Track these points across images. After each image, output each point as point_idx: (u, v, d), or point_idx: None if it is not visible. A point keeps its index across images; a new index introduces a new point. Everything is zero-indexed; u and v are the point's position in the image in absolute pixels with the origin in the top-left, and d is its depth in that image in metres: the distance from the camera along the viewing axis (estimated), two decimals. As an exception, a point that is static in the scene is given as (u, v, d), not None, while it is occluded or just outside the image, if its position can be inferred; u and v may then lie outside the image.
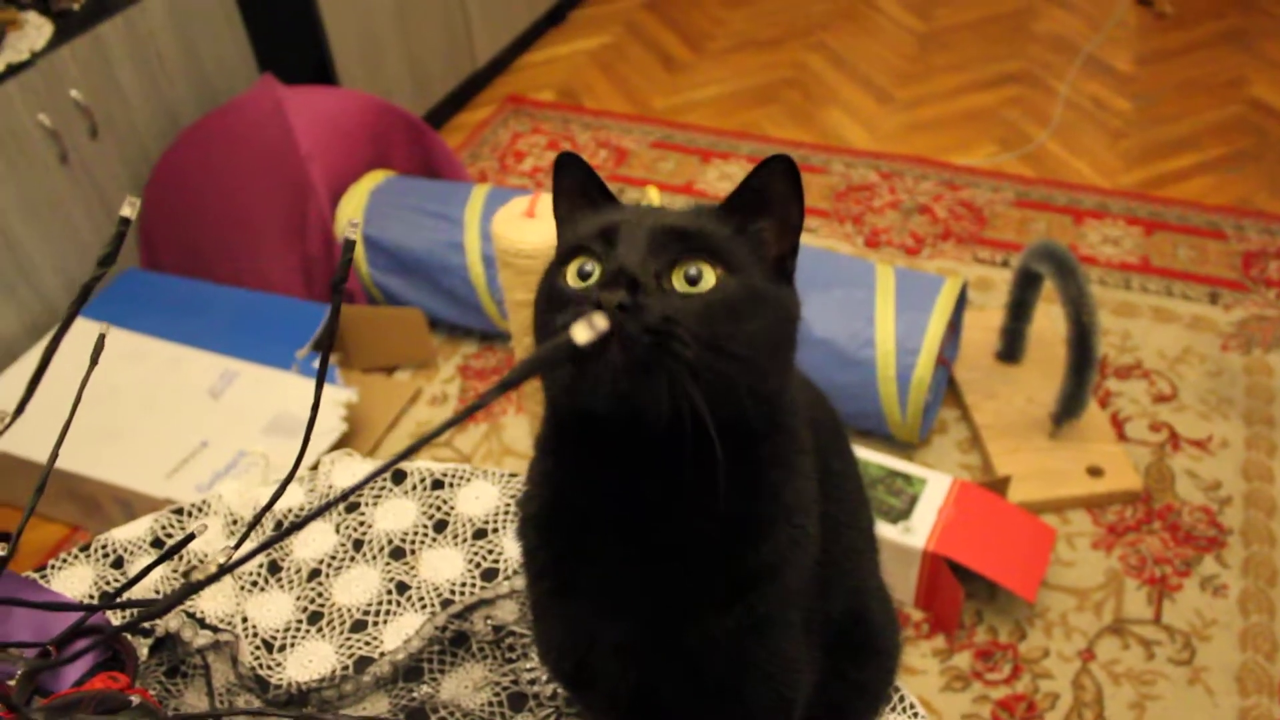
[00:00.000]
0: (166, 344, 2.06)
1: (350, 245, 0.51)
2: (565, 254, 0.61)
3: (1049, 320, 2.10)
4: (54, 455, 0.66)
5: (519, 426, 2.05)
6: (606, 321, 0.47)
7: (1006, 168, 2.67)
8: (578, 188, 0.67)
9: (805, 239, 2.46)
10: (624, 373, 0.54)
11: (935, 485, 1.68)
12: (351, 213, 2.18)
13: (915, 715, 0.90)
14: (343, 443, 1.91)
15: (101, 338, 0.69)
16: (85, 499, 1.89)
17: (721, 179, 2.69)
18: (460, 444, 2.03)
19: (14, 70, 1.97)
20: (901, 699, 0.90)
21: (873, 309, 1.83)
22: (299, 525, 0.47)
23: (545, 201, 1.30)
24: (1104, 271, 2.33)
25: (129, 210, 0.52)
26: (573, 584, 0.66)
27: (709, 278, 0.57)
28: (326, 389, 1.96)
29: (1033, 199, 2.56)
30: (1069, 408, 1.83)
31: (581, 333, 0.45)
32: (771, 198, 0.64)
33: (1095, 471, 1.85)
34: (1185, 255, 2.38)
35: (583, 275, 0.59)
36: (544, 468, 0.67)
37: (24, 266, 2.07)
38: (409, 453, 0.48)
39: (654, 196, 2.24)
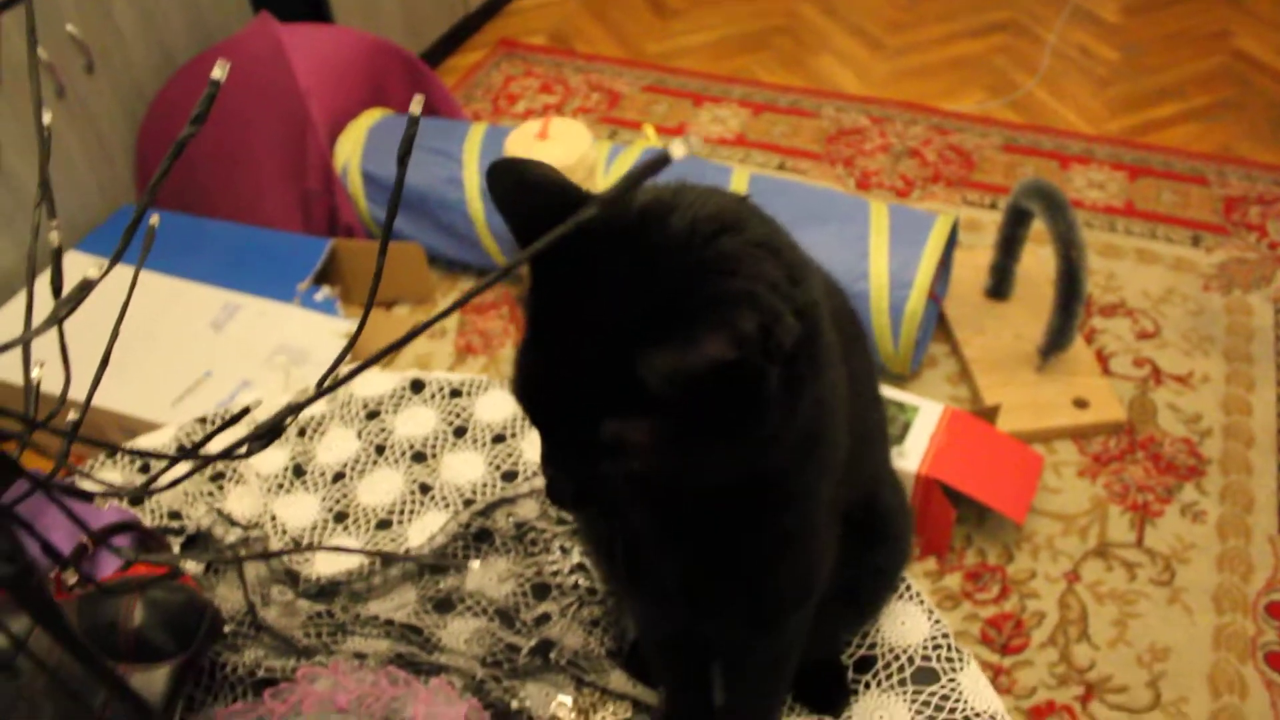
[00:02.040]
0: (167, 278, 2.08)
1: (414, 121, 0.54)
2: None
3: (1036, 260, 2.14)
4: (91, 392, 0.68)
5: (517, 360, 2.08)
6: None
7: (995, 114, 2.71)
8: (519, 210, 0.59)
9: (799, 179, 2.49)
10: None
11: (928, 412, 1.73)
12: (350, 150, 2.20)
13: (921, 603, 0.95)
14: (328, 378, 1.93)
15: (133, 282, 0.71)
16: (89, 428, 1.92)
17: (714, 121, 2.71)
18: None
19: (10, 4, 1.96)
20: (908, 588, 0.95)
21: (867, 244, 1.87)
22: (367, 364, 0.50)
23: (557, 125, 1.33)
24: (1089, 215, 2.38)
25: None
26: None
27: (641, 430, 0.55)
28: (327, 321, 2.00)
29: (1020, 144, 2.60)
30: (1056, 341, 1.88)
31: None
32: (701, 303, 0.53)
33: (1081, 403, 1.91)
34: (1168, 200, 2.43)
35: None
36: None
37: (22, 200, 2.08)
38: (403, 343, 0.51)
39: (651, 135, 2.27)
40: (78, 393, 0.59)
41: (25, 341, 0.59)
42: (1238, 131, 2.63)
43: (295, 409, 0.46)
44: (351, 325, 1.98)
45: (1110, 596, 1.68)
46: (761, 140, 2.64)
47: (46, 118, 0.60)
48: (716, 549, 0.65)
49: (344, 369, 1.16)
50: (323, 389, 0.47)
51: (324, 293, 2.06)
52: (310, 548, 0.57)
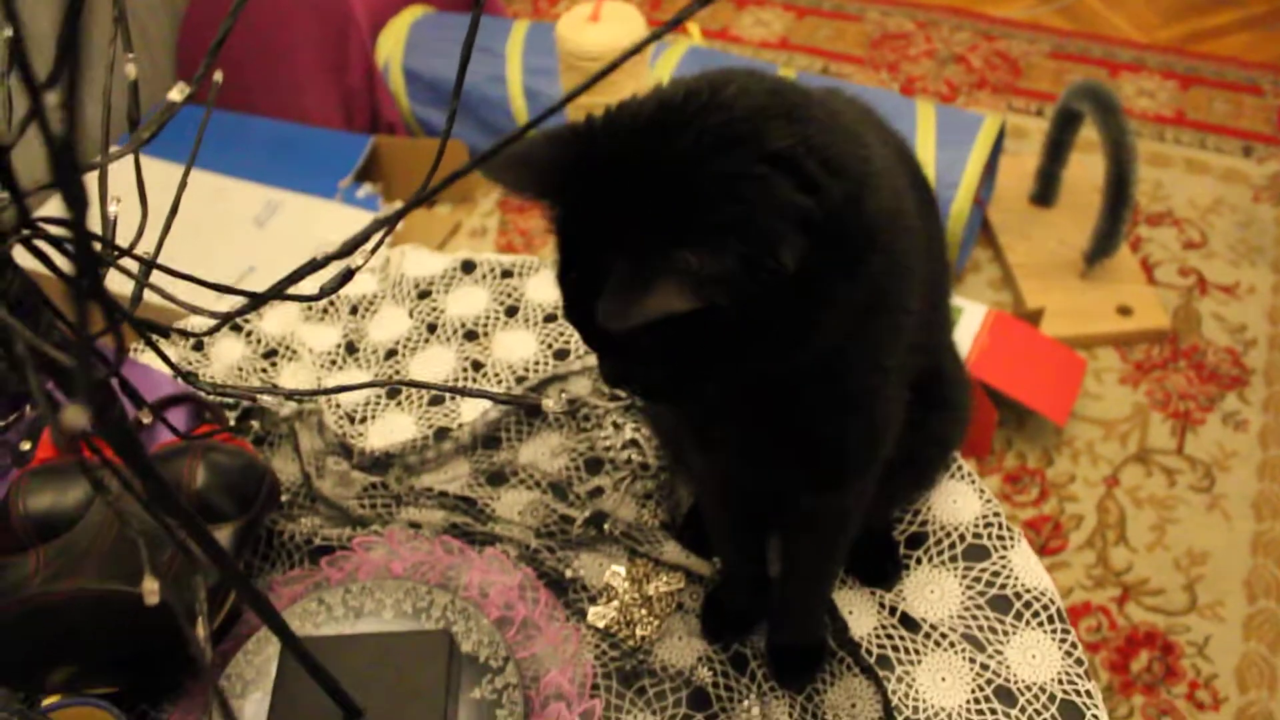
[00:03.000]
0: (209, 174, 2.08)
1: (479, 7, 0.53)
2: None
3: (1083, 167, 2.11)
4: (162, 237, 0.68)
5: (557, 260, 2.08)
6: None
7: (1044, 20, 2.65)
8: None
9: (842, 82, 2.45)
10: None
11: (971, 314, 1.72)
12: (392, 46, 2.18)
13: (973, 482, 0.95)
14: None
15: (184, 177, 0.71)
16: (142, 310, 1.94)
17: (757, 25, 2.67)
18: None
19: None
20: (959, 467, 0.96)
21: (914, 143, 1.84)
22: (453, 177, 0.50)
23: (610, 8, 1.31)
24: (1139, 123, 2.34)
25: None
26: None
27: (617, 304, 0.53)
28: (370, 217, 2.00)
29: (1069, 51, 2.55)
30: (1103, 246, 1.86)
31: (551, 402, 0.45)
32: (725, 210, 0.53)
33: (1124, 311, 1.89)
34: (1220, 109, 2.38)
35: None
36: None
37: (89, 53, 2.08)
38: (416, 202, 0.51)
39: (695, 34, 2.24)
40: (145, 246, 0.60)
41: (102, 166, 0.60)
42: (1294, 41, 2.57)
43: (386, 222, 0.46)
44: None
45: (1149, 501, 1.68)
46: (805, 44, 2.60)
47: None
48: (779, 416, 0.65)
49: (401, 249, 1.16)
50: (406, 207, 0.47)
51: (365, 189, 2.06)
52: (397, 383, 0.58)
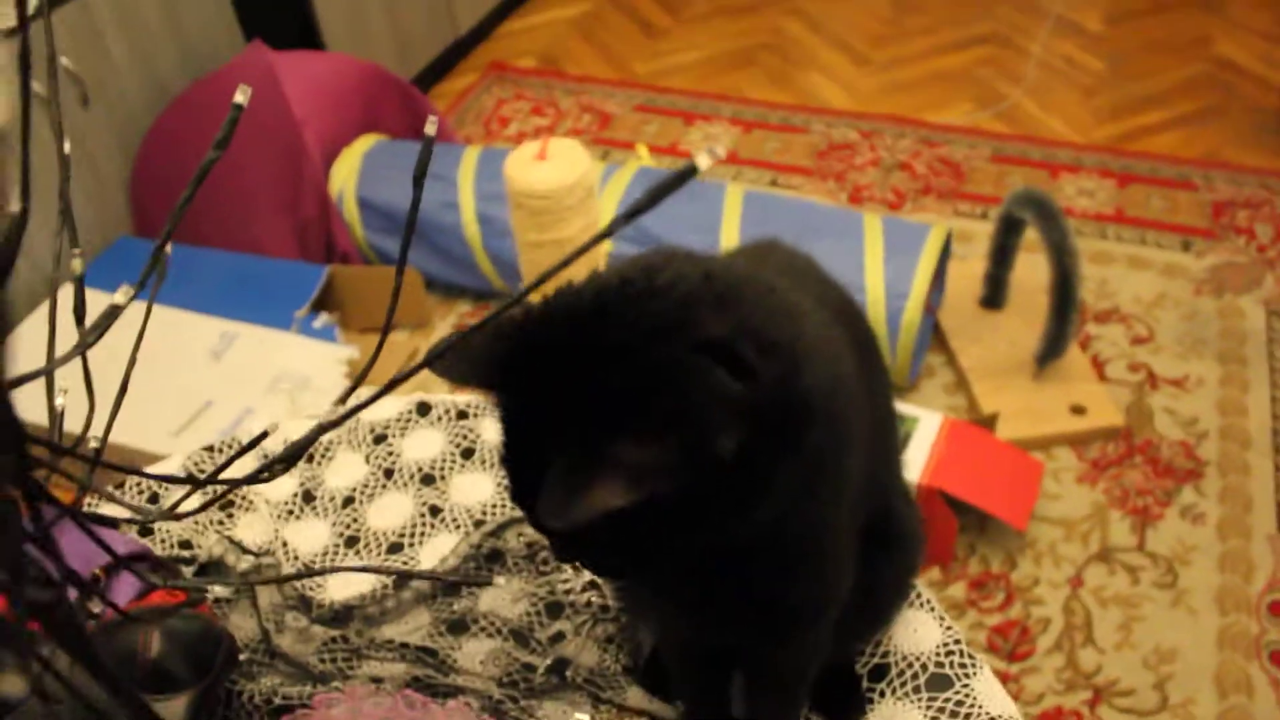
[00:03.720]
0: (164, 308, 2.08)
1: (430, 140, 0.55)
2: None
3: (1029, 268, 2.16)
4: (111, 419, 0.68)
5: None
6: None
7: (983, 125, 2.73)
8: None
9: (792, 195, 2.51)
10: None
11: (927, 423, 1.74)
12: (345, 176, 2.21)
13: (932, 610, 0.96)
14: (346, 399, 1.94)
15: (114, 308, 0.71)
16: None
17: (705, 140, 2.73)
18: (459, 400, 2.07)
19: (5, 35, 1.97)
20: (919, 595, 0.96)
21: (862, 256, 1.88)
22: (388, 388, 0.51)
23: (556, 145, 1.34)
24: (1080, 222, 2.40)
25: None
26: None
27: (555, 507, 0.54)
28: (327, 348, 2.00)
29: (1009, 154, 2.63)
30: (1052, 348, 1.90)
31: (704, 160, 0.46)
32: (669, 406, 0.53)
33: (1078, 410, 1.92)
34: (1158, 205, 2.45)
35: None
36: None
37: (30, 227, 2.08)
38: (419, 369, 0.52)
39: (645, 155, 2.29)
40: (78, 423, 0.60)
41: (49, 372, 0.60)
42: (1222, 136, 2.65)
43: (326, 428, 0.47)
44: (351, 351, 1.99)
45: (1114, 600, 1.69)
46: (754, 157, 2.66)
47: (66, 146, 0.61)
48: (728, 581, 0.65)
49: (359, 395, 1.17)
50: (347, 412, 0.48)
51: (322, 319, 2.07)
52: (325, 570, 0.58)
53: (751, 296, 0.56)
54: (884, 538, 0.78)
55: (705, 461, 0.51)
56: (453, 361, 0.58)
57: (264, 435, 0.73)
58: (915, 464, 1.68)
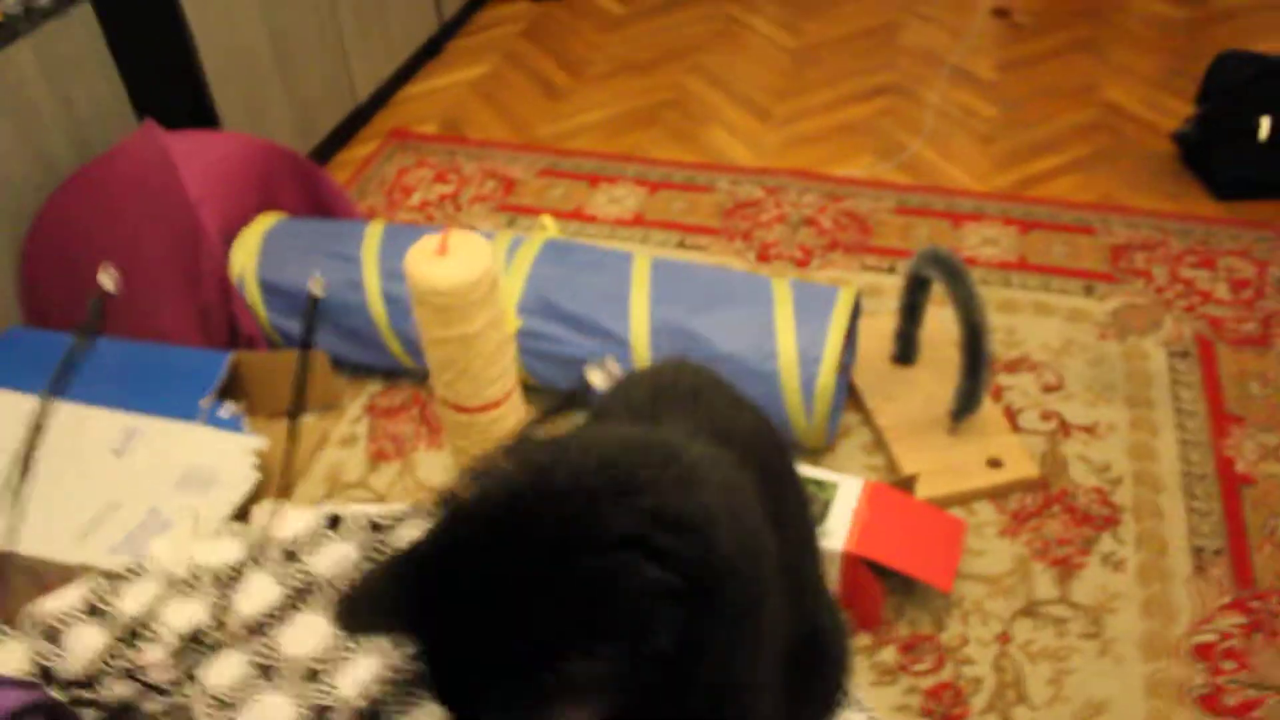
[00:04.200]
0: (60, 403, 2.00)
1: (314, 301, 0.52)
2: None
3: (938, 322, 2.18)
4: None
5: (433, 461, 2.05)
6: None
7: (885, 177, 2.77)
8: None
9: (699, 257, 2.51)
10: None
11: (847, 489, 1.74)
12: (245, 258, 2.16)
13: (862, 709, 0.94)
14: (259, 491, 1.88)
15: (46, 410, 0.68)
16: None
17: (611, 203, 2.72)
18: (375, 483, 2.02)
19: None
20: (857, 701, 0.95)
21: (772, 322, 1.88)
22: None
23: (456, 239, 1.32)
24: (985, 271, 2.44)
25: (108, 282, 0.53)
26: None
27: None
28: (234, 438, 1.94)
29: (912, 205, 2.66)
30: (966, 405, 1.91)
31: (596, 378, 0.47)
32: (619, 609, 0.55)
33: (995, 463, 1.94)
34: (1059, 251, 2.50)
35: None
36: None
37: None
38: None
39: (550, 226, 2.27)
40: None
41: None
42: (1116, 180, 2.73)
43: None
44: (259, 441, 1.92)
45: (1043, 655, 1.70)
46: (660, 218, 2.66)
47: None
48: None
49: (263, 504, 1.12)
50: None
51: (228, 408, 2.00)
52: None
53: (652, 476, 0.54)
54: (811, 661, 0.77)
55: (651, 657, 0.49)
56: (356, 614, 0.55)
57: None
58: (838, 532, 1.68)
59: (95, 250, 2.17)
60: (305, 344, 0.57)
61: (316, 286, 0.56)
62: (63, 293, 2.22)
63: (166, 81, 2.44)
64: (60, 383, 0.59)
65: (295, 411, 0.61)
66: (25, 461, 0.60)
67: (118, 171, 2.17)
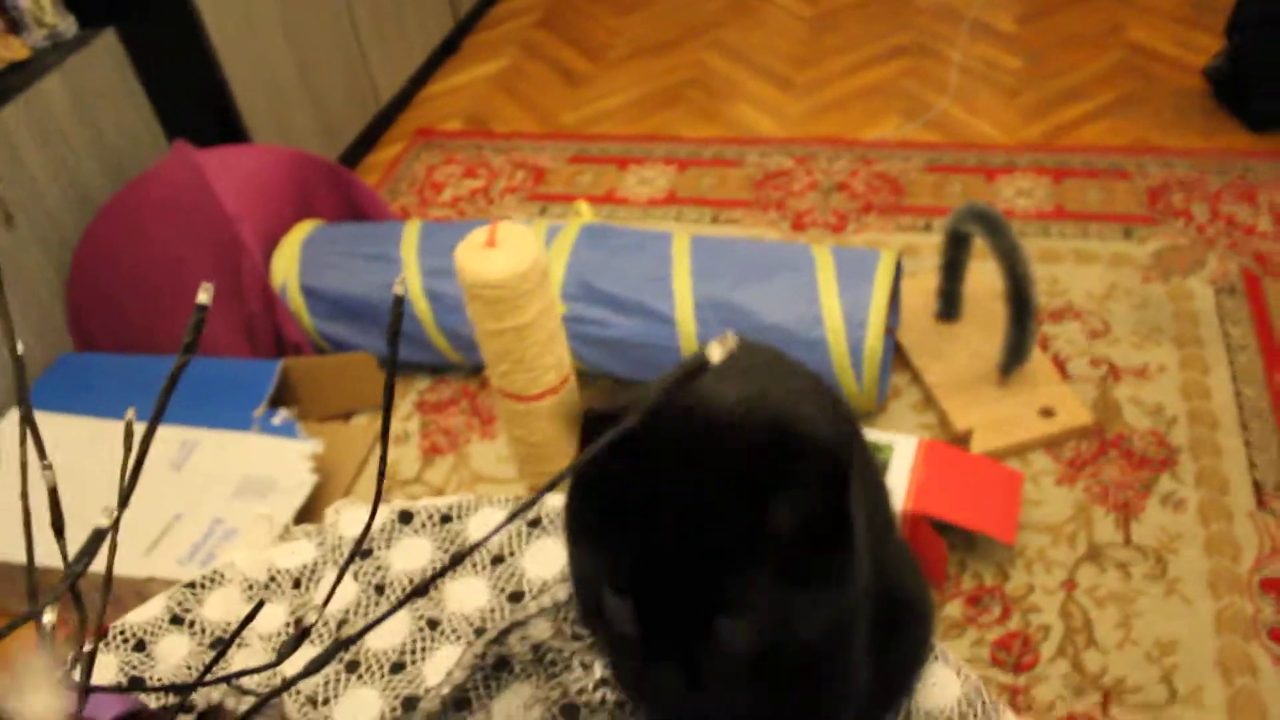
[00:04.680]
0: (117, 423, 2.03)
1: (399, 300, 0.54)
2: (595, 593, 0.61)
3: (980, 277, 2.17)
4: (109, 567, 0.66)
5: (486, 452, 2.07)
6: None
7: (914, 136, 2.76)
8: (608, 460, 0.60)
9: (734, 230, 2.51)
10: None
11: (903, 448, 1.74)
12: (286, 267, 2.18)
13: (948, 661, 0.95)
14: (317, 494, 1.91)
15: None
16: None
17: (641, 184, 2.73)
18: (430, 477, 2.04)
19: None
20: (939, 652, 0.95)
21: (816, 290, 1.89)
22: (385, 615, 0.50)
23: (503, 230, 1.33)
24: (1022, 223, 2.42)
25: (205, 297, 0.55)
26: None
27: (742, 634, 0.56)
28: (289, 444, 1.97)
29: (944, 163, 2.65)
30: (1015, 356, 1.91)
31: None
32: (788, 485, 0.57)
33: (1047, 413, 1.93)
34: (1095, 198, 2.48)
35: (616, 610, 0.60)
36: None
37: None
38: (532, 502, 0.50)
39: (585, 211, 2.28)
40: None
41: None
42: (1147, 122, 2.70)
43: (345, 643, 0.45)
44: (314, 445, 1.95)
45: (1109, 599, 1.69)
46: (691, 195, 2.67)
47: None
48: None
49: (340, 507, 1.14)
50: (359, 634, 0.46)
51: (281, 415, 2.03)
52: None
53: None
54: (893, 622, 0.77)
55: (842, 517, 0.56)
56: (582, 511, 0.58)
57: (260, 606, 0.71)
58: (897, 491, 1.68)
59: (135, 274, 2.20)
60: (393, 347, 0.59)
61: (400, 287, 0.58)
62: (107, 318, 2.26)
63: (194, 102, 2.47)
64: (164, 404, 0.60)
65: (386, 417, 0.62)
66: (129, 487, 0.62)
67: (153, 194, 2.20)
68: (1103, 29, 3.07)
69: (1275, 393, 1.97)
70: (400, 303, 0.57)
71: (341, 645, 0.48)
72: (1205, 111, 2.71)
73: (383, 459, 0.56)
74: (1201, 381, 2.01)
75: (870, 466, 0.75)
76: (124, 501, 0.63)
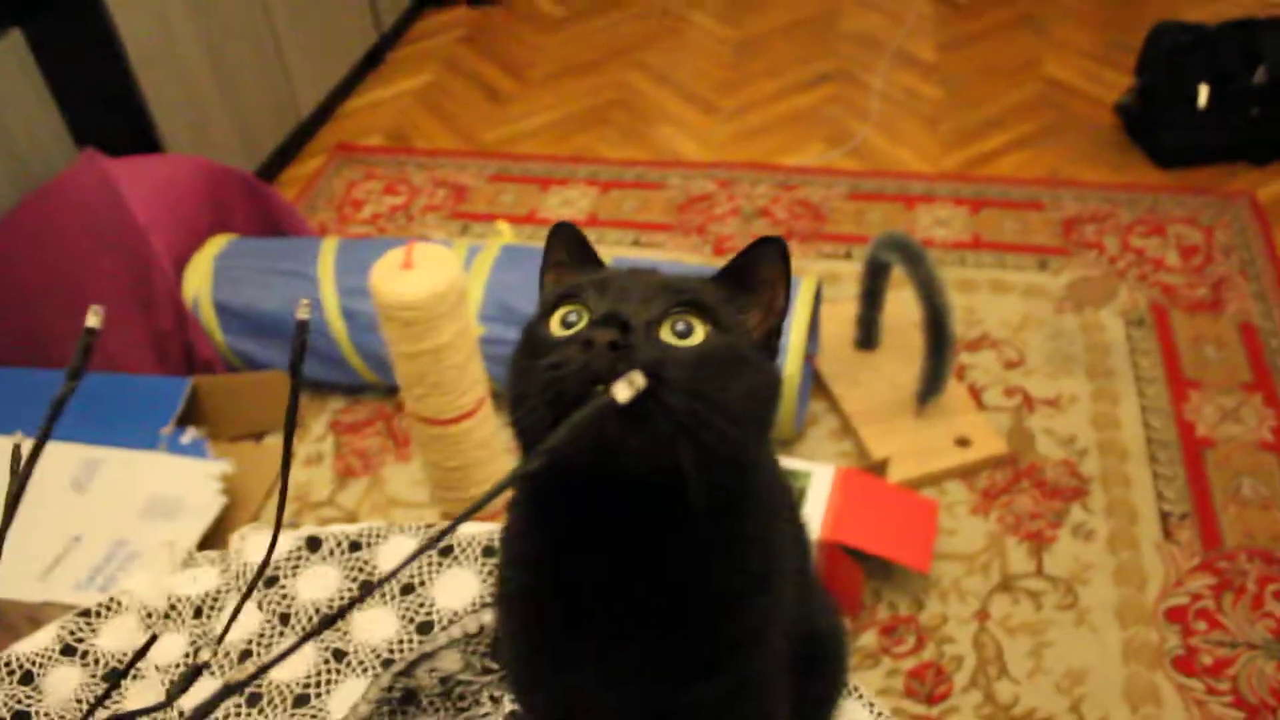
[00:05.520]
0: (11, 439, 1.96)
1: (303, 325, 0.52)
2: (553, 302, 0.61)
3: (898, 305, 2.19)
4: None
5: (401, 476, 2.03)
6: (645, 380, 0.48)
7: (836, 164, 2.79)
8: (569, 257, 0.68)
9: (655, 254, 2.50)
10: (610, 416, 0.51)
11: (820, 477, 1.74)
12: (199, 281, 2.13)
13: (860, 697, 0.94)
14: (225, 516, 1.86)
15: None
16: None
17: (563, 205, 2.72)
18: (343, 500, 2.00)
19: None
20: (853, 689, 0.95)
21: (737, 315, 1.88)
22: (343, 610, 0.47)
23: (421, 251, 1.30)
24: (940, 252, 2.46)
25: (94, 320, 0.52)
26: (560, 658, 0.65)
27: (698, 333, 0.57)
28: (198, 464, 1.92)
29: (865, 190, 2.68)
30: (932, 386, 1.93)
31: (622, 391, 0.46)
32: (759, 278, 0.64)
33: (963, 442, 1.95)
34: (1011, 228, 2.53)
35: (567, 324, 0.59)
36: (519, 546, 0.66)
37: None
38: (457, 523, 0.49)
39: (506, 231, 2.26)
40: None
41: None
42: (1061, 154, 2.76)
43: (235, 687, 0.43)
44: (223, 465, 1.90)
45: (1021, 629, 1.71)
46: (613, 218, 2.66)
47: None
48: (679, 715, 0.64)
49: (245, 534, 1.10)
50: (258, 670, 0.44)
51: (190, 434, 1.98)
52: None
53: None
54: (810, 662, 0.77)
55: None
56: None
57: (153, 640, 0.68)
58: (814, 519, 1.68)
59: (40, 285, 2.13)
60: (295, 371, 0.57)
61: (303, 311, 0.56)
62: (9, 331, 2.18)
63: (105, 108, 2.40)
64: (48, 430, 0.57)
65: (289, 438, 0.60)
66: (11, 507, 0.59)
67: (61, 203, 2.13)
68: (1020, 62, 3.14)
69: (1182, 424, 2.01)
70: (304, 327, 0.55)
71: (231, 690, 0.46)
72: (1117, 146, 2.78)
73: (282, 491, 0.54)
74: (1112, 412, 2.05)
75: (800, 519, 0.75)
76: (4, 526, 0.60)
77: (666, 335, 0.57)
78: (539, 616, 0.65)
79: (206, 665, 0.56)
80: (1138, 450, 1.97)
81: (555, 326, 0.59)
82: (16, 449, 0.70)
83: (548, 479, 0.59)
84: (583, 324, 0.58)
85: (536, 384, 0.55)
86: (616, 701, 0.64)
